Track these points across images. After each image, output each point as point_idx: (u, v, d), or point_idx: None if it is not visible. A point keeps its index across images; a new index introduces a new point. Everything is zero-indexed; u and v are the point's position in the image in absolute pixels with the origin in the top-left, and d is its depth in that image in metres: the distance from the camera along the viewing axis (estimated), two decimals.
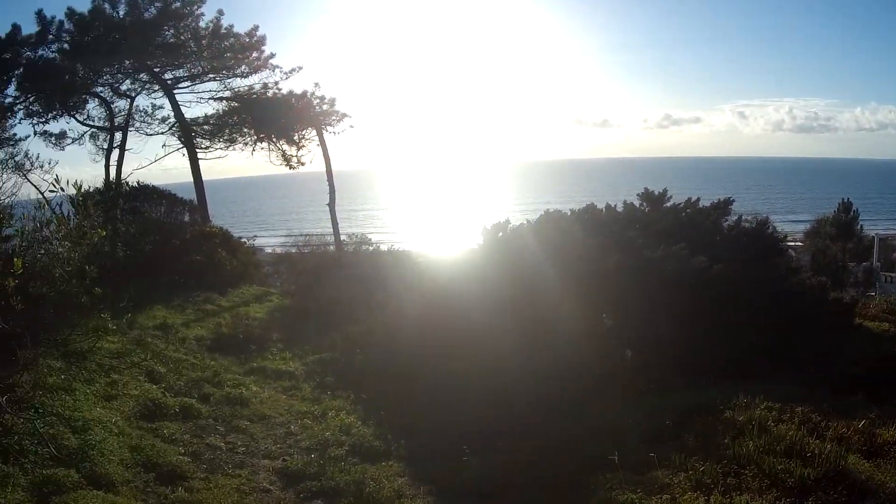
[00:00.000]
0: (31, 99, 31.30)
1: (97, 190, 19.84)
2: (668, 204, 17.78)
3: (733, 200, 18.10)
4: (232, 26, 31.15)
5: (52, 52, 30.33)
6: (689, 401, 10.29)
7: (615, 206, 17.79)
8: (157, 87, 32.04)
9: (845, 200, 38.59)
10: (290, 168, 34.58)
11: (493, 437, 10.73)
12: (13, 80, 30.80)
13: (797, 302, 14.15)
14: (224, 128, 33.25)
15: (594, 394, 11.85)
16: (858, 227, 38.38)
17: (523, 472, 9.18)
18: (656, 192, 17.99)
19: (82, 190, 12.74)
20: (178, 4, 29.73)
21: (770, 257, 16.14)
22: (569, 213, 17.79)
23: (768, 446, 7.99)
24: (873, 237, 45.50)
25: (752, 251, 15.64)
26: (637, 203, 17.99)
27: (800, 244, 49.33)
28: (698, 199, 17.80)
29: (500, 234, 16.86)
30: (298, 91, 32.96)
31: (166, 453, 9.47)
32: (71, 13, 29.04)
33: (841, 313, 15.04)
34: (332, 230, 33.53)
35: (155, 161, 32.51)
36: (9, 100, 31.38)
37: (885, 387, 11.67)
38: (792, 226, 70.42)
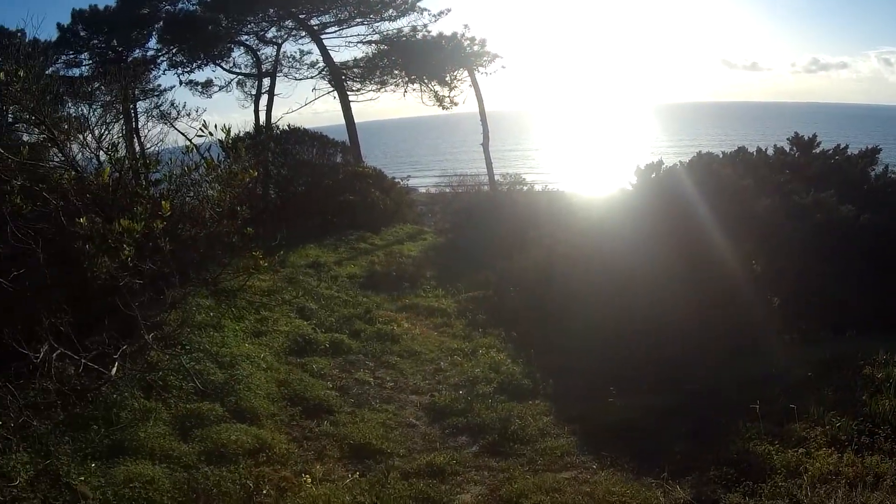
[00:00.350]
0: (173, 50, 32.24)
1: (247, 134, 20.16)
2: (817, 150, 17.23)
3: (881, 149, 17.31)
4: None
5: (193, 4, 31.03)
6: (832, 353, 9.87)
7: (766, 149, 17.56)
8: (303, 34, 32.21)
9: None
10: (442, 108, 34.14)
11: (641, 379, 10.39)
12: (154, 33, 31.87)
13: None
14: (374, 70, 33.09)
15: (742, 340, 11.41)
16: None
17: (667, 416, 8.86)
18: (806, 138, 17.43)
19: (232, 134, 12.82)
20: None
21: None
22: (720, 156, 17.48)
23: None
24: None
25: None
26: (787, 148, 17.58)
27: None
28: (847, 147, 17.29)
29: (654, 174, 16.37)
30: (448, 33, 32.45)
31: (314, 387, 9.52)
32: None
33: None
34: (485, 170, 33.14)
35: (305, 105, 32.97)
36: (150, 52, 32.54)
37: None
38: None
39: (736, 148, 17.99)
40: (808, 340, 11.14)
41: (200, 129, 11.80)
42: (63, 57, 30.37)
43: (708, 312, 12.19)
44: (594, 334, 12.04)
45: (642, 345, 11.49)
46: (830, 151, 16.93)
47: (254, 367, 9.41)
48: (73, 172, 10.29)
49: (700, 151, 17.98)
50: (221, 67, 33.04)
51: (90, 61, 31.42)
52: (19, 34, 22.63)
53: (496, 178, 31.96)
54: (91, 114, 16.16)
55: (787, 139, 17.73)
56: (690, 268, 13.14)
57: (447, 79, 33.24)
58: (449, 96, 33.61)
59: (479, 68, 33.05)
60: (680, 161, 17.40)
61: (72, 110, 16.28)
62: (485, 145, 33.31)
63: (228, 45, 32.30)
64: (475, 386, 10.39)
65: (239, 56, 33.20)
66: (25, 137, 12.85)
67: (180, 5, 31.12)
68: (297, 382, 9.49)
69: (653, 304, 12.49)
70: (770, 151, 17.33)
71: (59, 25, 30.47)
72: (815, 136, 17.41)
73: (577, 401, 9.77)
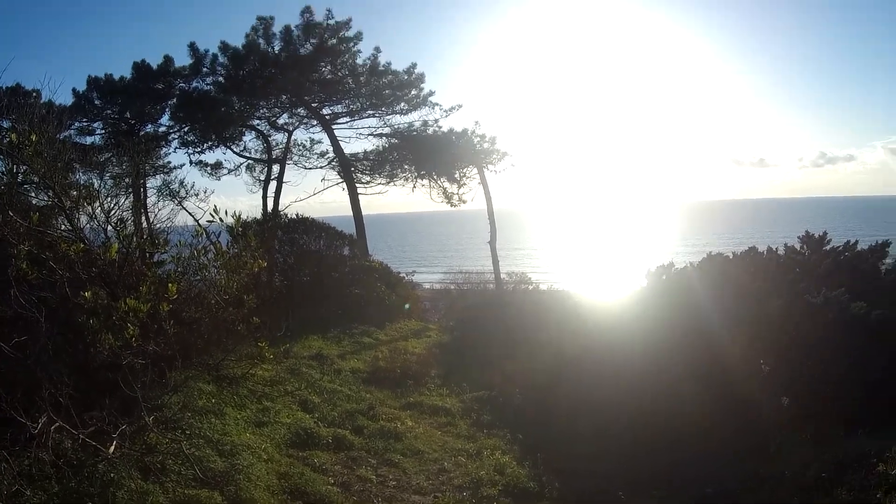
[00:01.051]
0: (185, 129, 32.86)
1: (255, 220, 20.19)
2: (828, 247, 17.15)
3: (890, 243, 17.32)
4: (389, 63, 31.45)
5: (207, 84, 31.66)
6: (845, 452, 9.71)
7: (776, 248, 17.45)
8: (314, 122, 32.79)
9: None
10: (451, 205, 34.45)
11: (650, 483, 10.32)
12: (167, 109, 32.57)
13: None
14: (384, 163, 33.51)
15: (752, 440, 11.42)
16: None
17: None
18: (816, 235, 17.35)
19: (240, 220, 12.79)
20: (333, 41, 30.13)
21: None
22: (731, 256, 17.53)
23: None
24: None
25: None
26: (798, 246, 17.50)
27: None
28: (856, 242, 17.18)
29: (664, 276, 16.53)
30: (458, 129, 32.97)
31: (315, 482, 9.21)
32: (225, 47, 29.96)
33: None
34: (491, 268, 33.12)
35: (314, 194, 33.38)
36: (162, 128, 33.18)
37: None
38: None
39: (746, 248, 17.93)
40: (819, 440, 11.00)
41: (211, 213, 11.78)
42: (77, 123, 30.83)
43: (719, 414, 12.09)
44: (603, 438, 11.89)
45: (652, 449, 11.38)
46: (840, 247, 16.86)
47: (255, 458, 9.10)
48: (82, 245, 10.16)
49: (710, 252, 18.01)
50: (232, 150, 33.61)
51: (103, 130, 32.11)
52: (34, 94, 22.81)
53: (502, 276, 31.97)
54: (102, 185, 16.20)
55: (798, 237, 17.66)
56: (701, 370, 13.11)
57: (456, 175, 33.61)
58: (458, 193, 34.01)
59: (489, 166, 33.45)
60: (690, 262, 17.54)
61: (82, 179, 16.32)
62: (492, 243, 33.34)
63: (240, 128, 32.86)
64: (479, 488, 10.10)
65: (250, 140, 33.87)
66: (34, 202, 12.77)
67: (194, 84, 31.83)
68: (298, 476, 9.17)
69: (662, 409, 12.42)
70: (781, 250, 17.28)
71: (74, 91, 31.02)
72: (825, 233, 17.36)
73: None
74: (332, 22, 29.78)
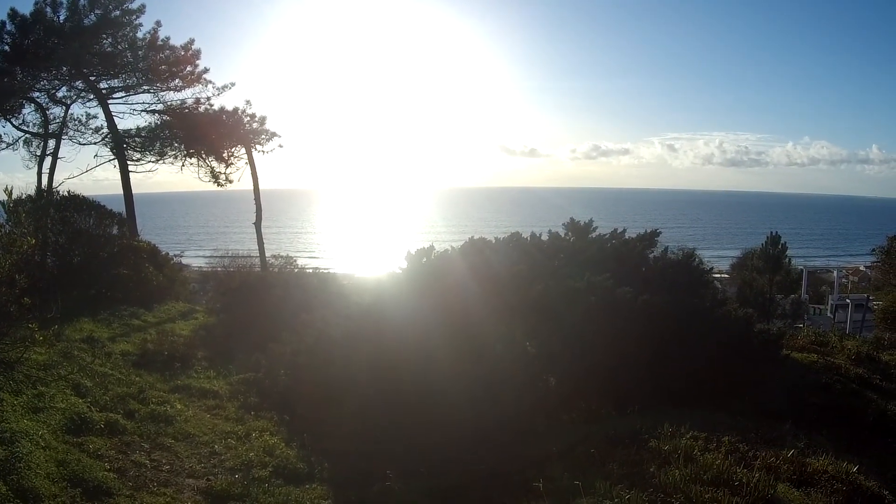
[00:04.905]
0: None
1: (29, 197, 19.66)
2: (594, 234, 17.98)
3: (660, 232, 18.38)
4: (168, 38, 30.97)
5: None
6: (616, 429, 10.35)
7: (540, 235, 17.98)
8: (92, 96, 31.54)
9: (773, 234, 39.29)
10: (217, 185, 34.34)
11: (419, 461, 10.94)
12: None
13: (723, 333, 14.29)
14: (155, 141, 32.89)
15: (522, 421, 12.11)
16: (787, 259, 39.11)
17: (450, 499, 9.45)
18: (581, 223, 18.19)
19: (13, 196, 12.62)
20: (117, 13, 29.25)
21: (696, 288, 16.36)
22: (493, 241, 17.85)
23: (695, 475, 7.85)
24: (802, 270, 47.05)
25: (678, 282, 15.89)
26: (562, 233, 18.14)
27: (727, 276, 50.82)
28: (624, 231, 18.03)
29: (424, 259, 16.88)
30: (230, 108, 32.98)
31: (92, 469, 9.47)
32: (13, 14, 28.27)
33: (768, 344, 15.22)
34: (258, 249, 33.42)
35: (86, 171, 32.02)
36: None
37: (812, 417, 12.33)
38: (720, 258, 72.55)
39: (510, 233, 18.28)
40: (590, 417, 11.86)
41: None
42: None
43: (487, 394, 12.74)
44: (371, 417, 12.68)
45: (421, 428, 12.13)
46: (607, 235, 17.64)
47: (33, 445, 9.23)
48: None
49: (473, 237, 18.23)
50: (11, 123, 31.33)
51: None
52: None
53: (268, 257, 32.25)
54: None
55: (563, 224, 18.31)
56: (467, 351, 13.69)
57: (224, 155, 33.49)
58: (225, 173, 34.03)
59: (257, 146, 33.80)
60: (452, 246, 17.89)
61: None
62: (257, 224, 33.60)
63: (21, 100, 30.88)
64: (251, 470, 10.72)
65: (29, 113, 31.60)
66: None
67: None
68: (75, 463, 9.38)
69: (432, 388, 13.04)
70: (545, 237, 17.80)
71: None
72: (591, 220, 18.18)
73: (355, 484, 10.35)
74: None
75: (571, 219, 18.55)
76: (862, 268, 69.28)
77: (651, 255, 17.55)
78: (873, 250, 36.61)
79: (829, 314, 45.05)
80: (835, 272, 58.29)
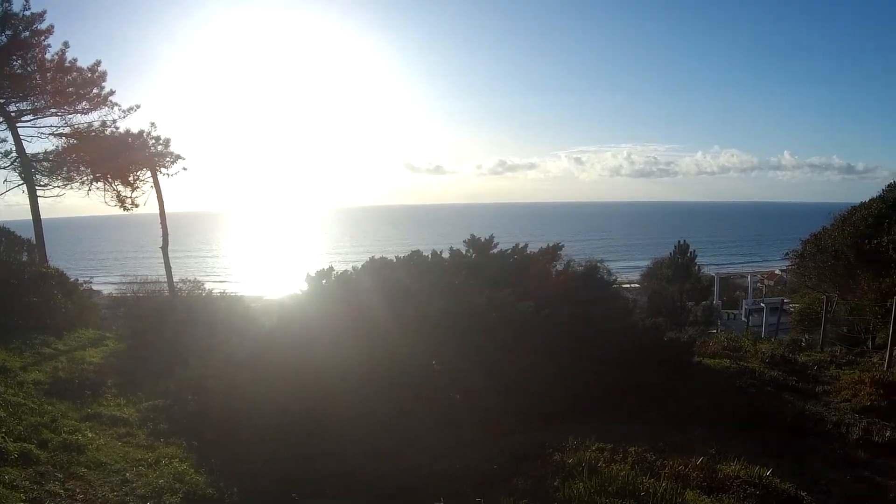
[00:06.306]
0: None
1: None
2: (496, 250, 18.31)
3: (562, 246, 18.84)
4: (76, 60, 30.80)
5: None
6: (522, 444, 10.67)
7: (441, 252, 18.25)
8: (0, 119, 31.11)
9: (681, 242, 40.06)
10: (124, 209, 34.17)
11: (326, 482, 11.36)
12: None
13: (630, 343, 14.74)
14: (62, 165, 32.58)
15: (429, 438, 12.49)
16: (696, 267, 39.87)
17: None
18: (482, 239, 18.50)
19: None
20: (27, 34, 28.99)
21: (602, 299, 16.79)
22: (394, 260, 18.21)
23: (600, 487, 8.01)
24: (713, 276, 48.29)
25: (583, 295, 16.27)
26: (464, 250, 18.45)
27: (637, 286, 51.87)
28: (526, 245, 18.40)
29: (324, 281, 17.18)
30: (135, 130, 32.94)
31: (8, 500, 9.77)
32: None
33: (678, 352, 15.72)
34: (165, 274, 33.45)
35: None
36: None
37: (723, 422, 12.64)
38: (631, 269, 74.04)
39: (411, 251, 18.54)
40: (497, 434, 11.99)
41: None
42: None
43: (395, 411, 13.04)
44: (279, 439, 12.97)
45: (330, 446, 12.41)
46: (509, 251, 17.87)
47: None
48: None
49: (373, 256, 18.59)
50: None
51: None
52: None
53: (176, 282, 32.31)
54: None
55: (464, 241, 18.50)
56: (373, 369, 13.95)
57: (130, 178, 33.43)
58: (131, 197, 33.94)
59: (162, 169, 33.71)
60: (353, 266, 18.19)
61: None
62: (164, 248, 33.63)
63: None
64: (161, 496, 11.04)
65: None
66: None
67: None
68: None
69: (337, 408, 13.30)
70: (446, 254, 17.97)
71: None
72: (491, 237, 18.38)
73: None
74: (27, 13, 28.71)
75: (472, 235, 18.86)
76: (777, 271, 70.98)
77: (554, 269, 17.92)
78: (786, 254, 38.07)
79: (743, 318, 46.07)
80: (748, 277, 60.03)
